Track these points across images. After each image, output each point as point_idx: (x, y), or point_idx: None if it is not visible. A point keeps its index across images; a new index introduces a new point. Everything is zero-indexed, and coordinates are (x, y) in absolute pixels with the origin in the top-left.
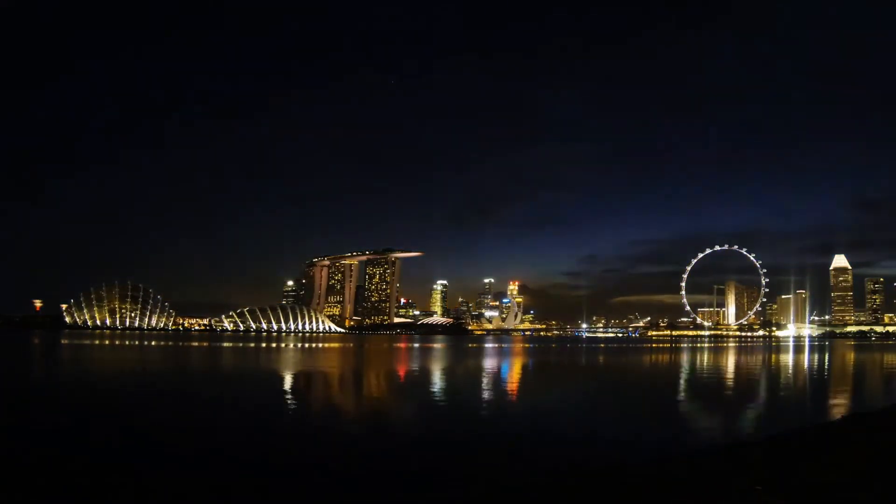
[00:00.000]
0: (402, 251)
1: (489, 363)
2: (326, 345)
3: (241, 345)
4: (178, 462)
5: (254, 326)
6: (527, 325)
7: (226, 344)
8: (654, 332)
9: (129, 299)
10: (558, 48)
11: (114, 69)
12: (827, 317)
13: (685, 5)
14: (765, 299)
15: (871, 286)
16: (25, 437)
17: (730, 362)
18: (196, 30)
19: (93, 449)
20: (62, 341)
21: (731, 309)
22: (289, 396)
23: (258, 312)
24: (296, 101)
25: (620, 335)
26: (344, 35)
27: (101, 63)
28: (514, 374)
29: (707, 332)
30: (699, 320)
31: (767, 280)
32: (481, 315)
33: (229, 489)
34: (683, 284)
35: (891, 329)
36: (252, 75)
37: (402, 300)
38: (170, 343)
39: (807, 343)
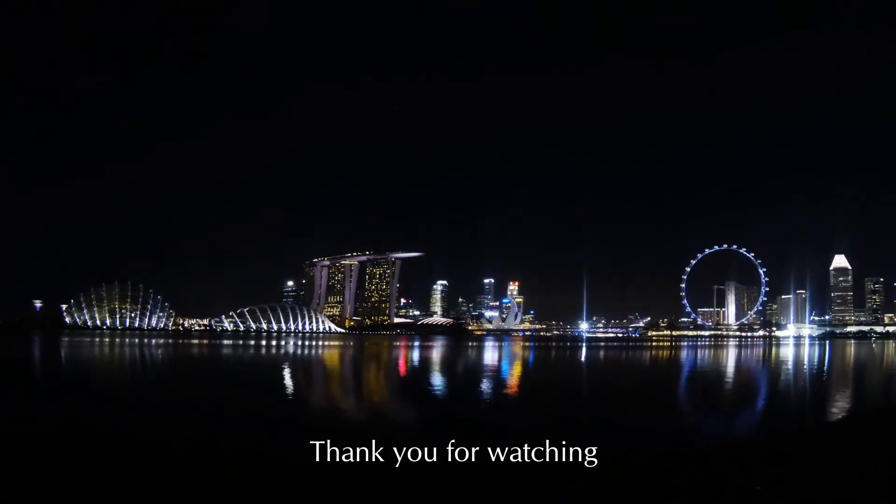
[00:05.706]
0: (402, 251)
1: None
2: (329, 343)
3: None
4: None
5: (254, 326)
6: (527, 325)
7: (229, 342)
8: (654, 333)
9: (129, 299)
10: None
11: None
12: (827, 317)
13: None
14: (765, 299)
15: (871, 286)
16: None
17: (730, 362)
18: (198, 36)
19: None
20: (61, 339)
21: (731, 309)
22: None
23: (258, 312)
24: (297, 102)
25: (620, 335)
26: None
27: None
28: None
29: (707, 333)
30: (699, 320)
31: (767, 280)
32: (481, 315)
33: None
34: (683, 284)
35: (891, 329)
36: (254, 76)
37: (402, 300)
38: (180, 342)
39: (807, 343)
